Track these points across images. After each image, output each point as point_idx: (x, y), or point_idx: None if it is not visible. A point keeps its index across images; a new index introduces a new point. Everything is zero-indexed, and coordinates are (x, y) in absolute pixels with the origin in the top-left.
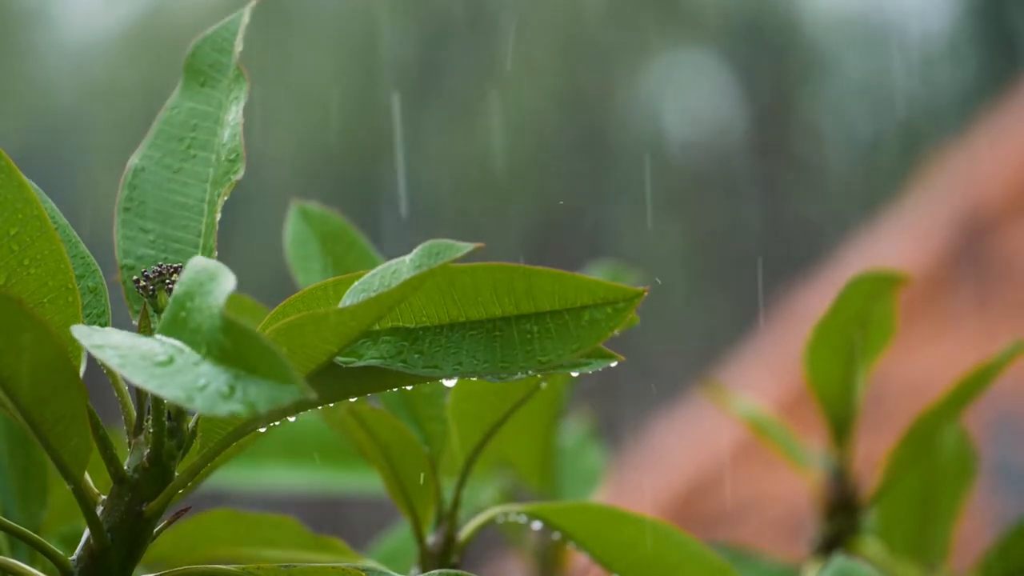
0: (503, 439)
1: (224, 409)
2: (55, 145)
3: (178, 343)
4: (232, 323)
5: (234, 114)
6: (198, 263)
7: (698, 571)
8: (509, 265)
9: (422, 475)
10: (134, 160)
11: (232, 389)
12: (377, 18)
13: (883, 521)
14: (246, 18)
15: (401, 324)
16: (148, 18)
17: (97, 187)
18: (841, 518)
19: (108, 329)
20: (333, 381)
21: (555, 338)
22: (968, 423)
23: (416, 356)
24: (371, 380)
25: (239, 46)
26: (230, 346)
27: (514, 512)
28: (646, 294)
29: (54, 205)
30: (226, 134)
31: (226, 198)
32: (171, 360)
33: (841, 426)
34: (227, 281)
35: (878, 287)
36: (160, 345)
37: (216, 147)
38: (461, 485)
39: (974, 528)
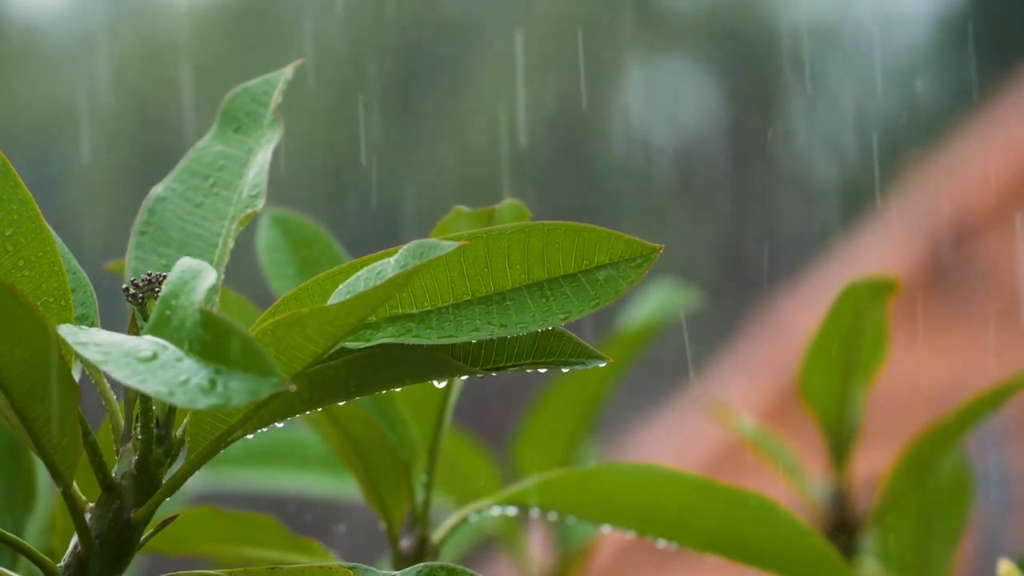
0: (525, 452)
1: (204, 403)
2: (32, 153)
3: (162, 341)
4: (211, 317)
5: (263, 155)
6: (184, 263)
7: (689, 503)
8: (526, 224)
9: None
10: (157, 189)
11: (213, 383)
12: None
13: (882, 542)
14: (288, 74)
15: (401, 311)
16: (124, 26)
17: (77, 200)
18: (840, 539)
19: (95, 329)
20: (335, 377)
21: (572, 298)
22: None
23: (428, 331)
24: (378, 371)
25: (278, 99)
26: (210, 340)
27: (485, 506)
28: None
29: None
30: (251, 173)
31: (242, 228)
32: (155, 356)
33: (840, 445)
34: (208, 277)
35: (870, 296)
36: (145, 343)
37: (240, 187)
38: (430, 485)
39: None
